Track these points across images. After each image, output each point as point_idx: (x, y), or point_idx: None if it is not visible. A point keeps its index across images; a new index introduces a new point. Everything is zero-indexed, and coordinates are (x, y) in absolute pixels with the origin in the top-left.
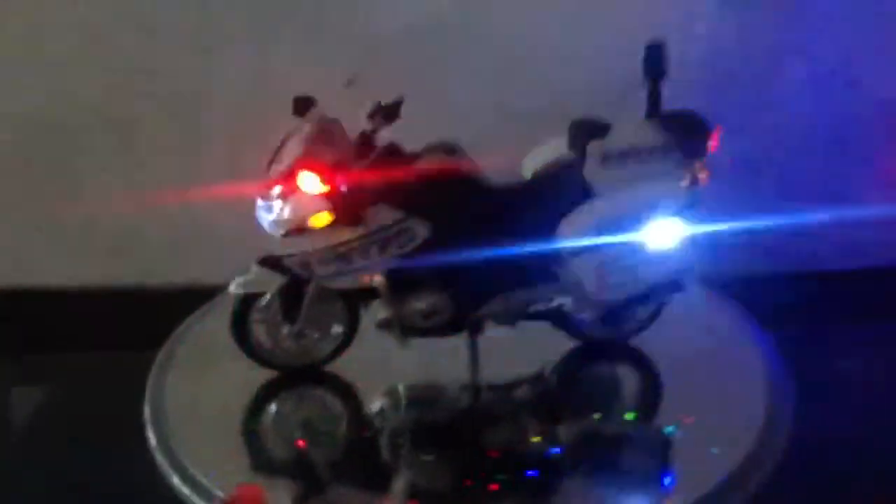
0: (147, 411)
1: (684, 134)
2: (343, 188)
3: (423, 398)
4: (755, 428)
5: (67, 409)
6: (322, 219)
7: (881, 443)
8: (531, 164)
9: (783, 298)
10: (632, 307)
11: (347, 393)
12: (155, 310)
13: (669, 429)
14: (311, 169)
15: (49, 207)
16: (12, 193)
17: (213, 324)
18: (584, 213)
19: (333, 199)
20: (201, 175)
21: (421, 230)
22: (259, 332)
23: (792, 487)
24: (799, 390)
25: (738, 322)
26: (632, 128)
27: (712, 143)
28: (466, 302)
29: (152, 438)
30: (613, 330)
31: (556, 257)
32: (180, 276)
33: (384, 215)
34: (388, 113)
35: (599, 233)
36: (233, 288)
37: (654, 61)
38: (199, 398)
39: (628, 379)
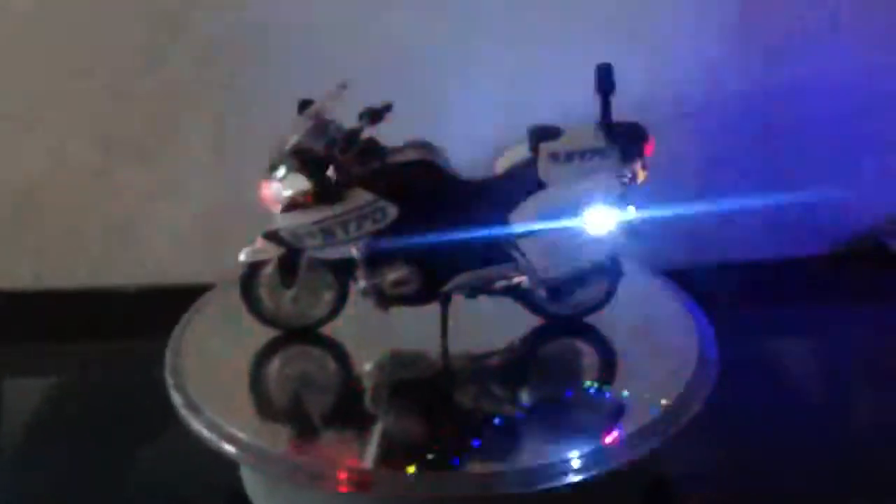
0: (168, 362)
1: (624, 139)
2: (327, 173)
3: (403, 359)
4: (685, 379)
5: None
6: (309, 197)
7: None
8: (501, 162)
9: (712, 285)
10: (573, 285)
11: (338, 352)
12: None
13: (613, 389)
14: (300, 155)
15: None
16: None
17: (230, 294)
18: (532, 203)
19: (319, 182)
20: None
21: (391, 211)
22: (263, 296)
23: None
24: (723, 360)
25: (675, 299)
26: (578, 132)
27: (648, 148)
28: (432, 276)
29: (172, 386)
30: (564, 305)
31: (510, 240)
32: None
33: (360, 197)
34: (374, 115)
35: (545, 219)
36: (242, 257)
37: (604, 79)
38: (213, 352)
39: (581, 348)
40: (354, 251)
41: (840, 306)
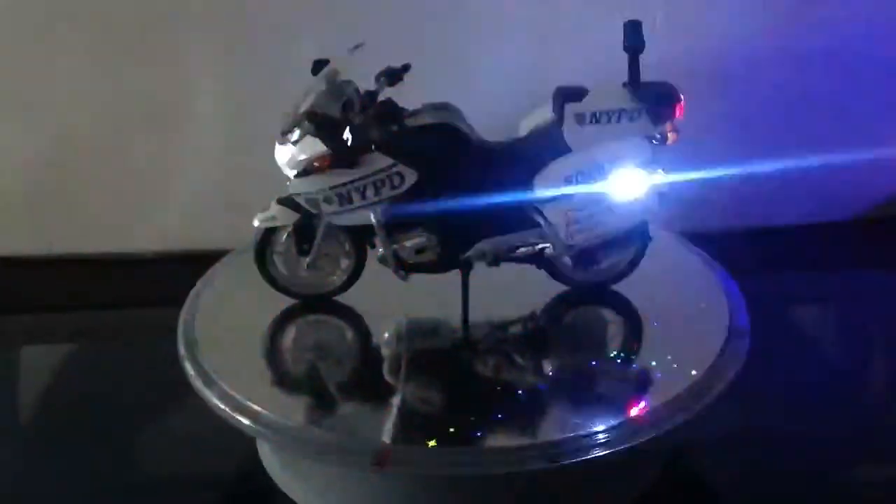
0: (180, 332)
1: (653, 100)
2: (343, 137)
3: (423, 329)
4: (715, 350)
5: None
6: (325, 161)
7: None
8: (525, 125)
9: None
10: (600, 251)
11: (356, 321)
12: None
13: (641, 360)
14: (315, 118)
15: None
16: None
17: (245, 261)
18: (557, 167)
19: (335, 145)
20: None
21: (409, 175)
22: (278, 263)
23: (743, 400)
24: (755, 328)
25: (705, 267)
26: (605, 93)
27: (678, 109)
28: (453, 242)
29: (185, 357)
30: (590, 273)
31: (533, 206)
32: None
33: (377, 161)
34: (392, 76)
35: (569, 184)
36: (255, 222)
37: (633, 37)
38: (227, 321)
39: (607, 316)
40: (372, 217)
41: (866, 272)
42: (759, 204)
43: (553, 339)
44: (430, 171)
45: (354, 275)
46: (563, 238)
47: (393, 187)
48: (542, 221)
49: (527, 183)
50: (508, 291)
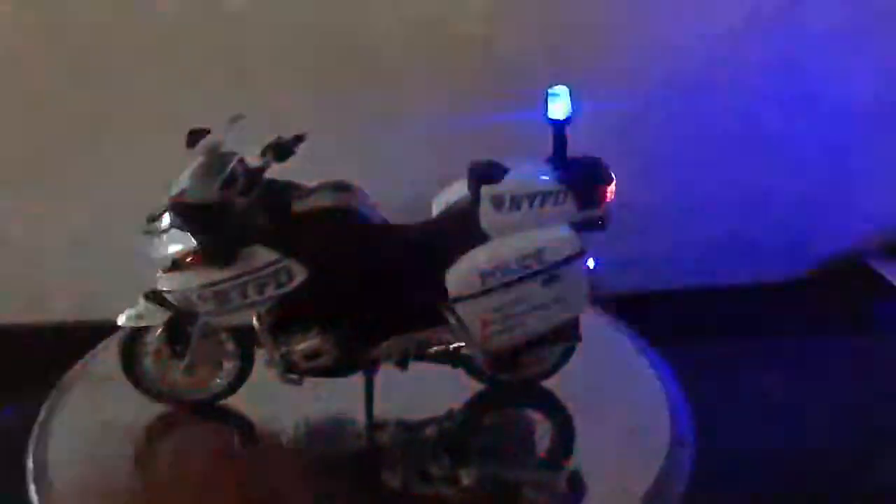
0: (31, 446)
1: (582, 180)
2: (218, 226)
3: (322, 434)
4: (661, 455)
5: None
6: (196, 257)
7: (782, 453)
8: (438, 204)
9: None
10: (521, 353)
11: (242, 428)
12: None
13: (573, 469)
14: (183, 210)
15: None
16: None
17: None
18: (471, 259)
19: (207, 241)
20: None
21: (298, 272)
22: (149, 366)
23: None
24: (698, 408)
25: (635, 350)
26: (527, 172)
27: (610, 192)
28: (352, 344)
29: (32, 477)
30: (511, 373)
31: (445, 302)
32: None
33: (260, 256)
34: (281, 150)
35: (485, 280)
36: (121, 321)
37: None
38: (91, 429)
39: (533, 418)
40: (255, 320)
41: (820, 336)
42: (701, 262)
43: (471, 445)
44: (322, 264)
45: (240, 378)
46: (478, 342)
47: (279, 286)
48: (453, 321)
49: (438, 273)
50: (420, 389)
